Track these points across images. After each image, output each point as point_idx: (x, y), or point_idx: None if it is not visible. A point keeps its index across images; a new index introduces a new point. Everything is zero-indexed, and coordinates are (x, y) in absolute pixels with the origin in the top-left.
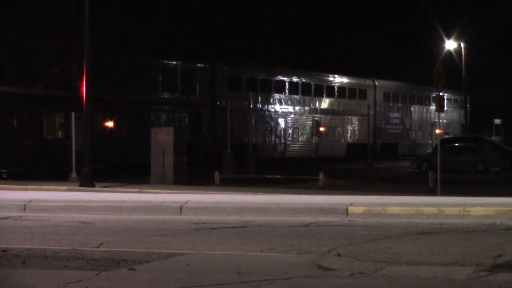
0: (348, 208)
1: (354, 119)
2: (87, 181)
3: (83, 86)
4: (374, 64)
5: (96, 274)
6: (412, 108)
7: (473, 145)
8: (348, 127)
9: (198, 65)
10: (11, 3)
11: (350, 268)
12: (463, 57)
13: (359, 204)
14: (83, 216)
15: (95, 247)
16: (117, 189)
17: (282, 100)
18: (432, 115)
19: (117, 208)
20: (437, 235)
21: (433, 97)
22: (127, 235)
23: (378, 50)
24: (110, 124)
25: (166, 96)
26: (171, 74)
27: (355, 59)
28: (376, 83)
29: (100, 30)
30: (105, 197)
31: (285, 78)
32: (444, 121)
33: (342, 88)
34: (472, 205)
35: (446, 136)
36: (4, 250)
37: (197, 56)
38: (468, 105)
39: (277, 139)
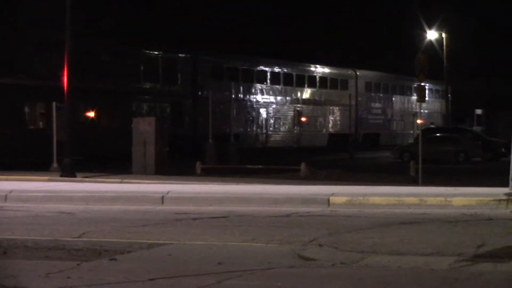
0: (330, 198)
1: (336, 109)
2: (68, 172)
3: (64, 75)
4: (356, 54)
5: (78, 265)
6: (393, 98)
7: (454, 135)
8: (330, 117)
9: (180, 55)
10: None
11: (331, 258)
12: (444, 47)
13: (340, 194)
14: (64, 207)
15: (77, 238)
16: (98, 179)
17: (264, 90)
18: (413, 105)
19: (99, 198)
20: (418, 225)
21: (415, 87)
22: (109, 225)
23: (360, 40)
24: (91, 114)
25: (147, 86)
26: (153, 64)
27: (336, 49)
28: (357, 73)
29: (82, 19)
30: (86, 187)
31: (267, 68)
32: (426, 111)
33: (323, 78)
34: (454, 195)
35: (431, 126)
36: None
37: (179, 46)
38: (449, 95)
39: (258, 129)
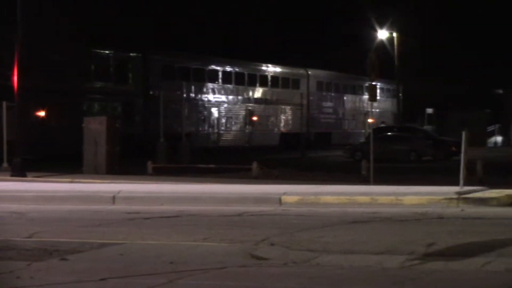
0: (282, 197)
1: (288, 109)
2: (19, 171)
3: (14, 75)
4: (307, 53)
5: (28, 265)
6: (345, 98)
7: (405, 134)
8: (281, 116)
9: (131, 54)
10: None
11: (283, 257)
12: (395, 47)
13: (292, 193)
14: (14, 206)
15: (27, 238)
16: (49, 179)
17: (216, 89)
18: (365, 104)
19: (49, 198)
20: (370, 224)
21: (366, 86)
22: (60, 225)
23: (312, 40)
24: (42, 113)
25: (99, 85)
26: (104, 63)
27: (288, 49)
28: (309, 72)
29: (32, 17)
30: (37, 187)
31: (218, 68)
32: (377, 110)
33: (275, 77)
34: (405, 194)
35: (382, 125)
36: None
37: (130, 45)
38: (400, 94)
39: (210, 129)
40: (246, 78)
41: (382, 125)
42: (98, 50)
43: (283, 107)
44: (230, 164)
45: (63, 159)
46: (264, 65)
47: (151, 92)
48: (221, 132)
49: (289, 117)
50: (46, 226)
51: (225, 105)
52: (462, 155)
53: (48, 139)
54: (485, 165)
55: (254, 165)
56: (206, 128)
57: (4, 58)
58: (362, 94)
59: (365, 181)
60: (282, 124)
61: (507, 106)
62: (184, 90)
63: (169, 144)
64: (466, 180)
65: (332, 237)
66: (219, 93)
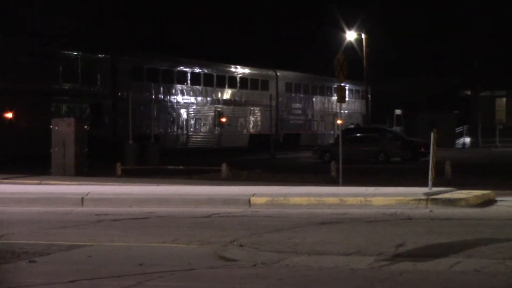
0: (251, 199)
1: (257, 110)
2: None
3: None
4: (276, 55)
5: None
6: (314, 99)
7: (374, 135)
8: (250, 118)
9: (99, 55)
10: None
11: (252, 258)
12: (364, 48)
13: (261, 195)
14: None
15: None
16: (17, 181)
17: (184, 90)
18: (334, 106)
19: (17, 200)
20: (339, 225)
21: (335, 87)
22: (28, 227)
23: (280, 41)
24: (9, 115)
25: (67, 87)
26: (72, 64)
27: (257, 50)
28: (278, 74)
29: None
30: (4, 189)
31: (187, 69)
32: (346, 111)
33: (244, 79)
34: (374, 195)
35: (351, 126)
36: None
37: (98, 47)
38: (369, 96)
39: (179, 130)
40: (215, 79)
41: (351, 126)
42: (66, 52)
43: (252, 108)
44: (199, 166)
45: (31, 161)
46: (233, 66)
47: (119, 94)
48: (190, 133)
49: (258, 119)
50: (14, 228)
51: (194, 107)
52: (431, 156)
53: (16, 140)
54: (453, 166)
55: (223, 167)
56: (175, 129)
57: None
58: (331, 95)
59: (334, 182)
60: (251, 126)
61: (475, 107)
62: (153, 92)
63: (138, 145)
64: (435, 181)
65: (301, 238)
66: (188, 94)
